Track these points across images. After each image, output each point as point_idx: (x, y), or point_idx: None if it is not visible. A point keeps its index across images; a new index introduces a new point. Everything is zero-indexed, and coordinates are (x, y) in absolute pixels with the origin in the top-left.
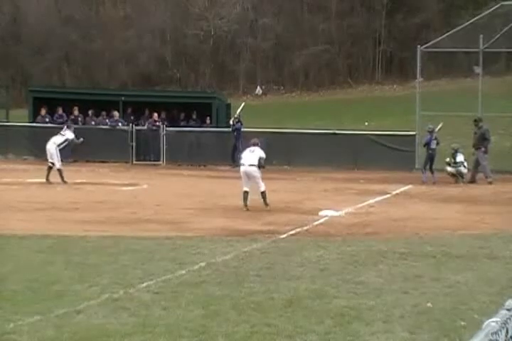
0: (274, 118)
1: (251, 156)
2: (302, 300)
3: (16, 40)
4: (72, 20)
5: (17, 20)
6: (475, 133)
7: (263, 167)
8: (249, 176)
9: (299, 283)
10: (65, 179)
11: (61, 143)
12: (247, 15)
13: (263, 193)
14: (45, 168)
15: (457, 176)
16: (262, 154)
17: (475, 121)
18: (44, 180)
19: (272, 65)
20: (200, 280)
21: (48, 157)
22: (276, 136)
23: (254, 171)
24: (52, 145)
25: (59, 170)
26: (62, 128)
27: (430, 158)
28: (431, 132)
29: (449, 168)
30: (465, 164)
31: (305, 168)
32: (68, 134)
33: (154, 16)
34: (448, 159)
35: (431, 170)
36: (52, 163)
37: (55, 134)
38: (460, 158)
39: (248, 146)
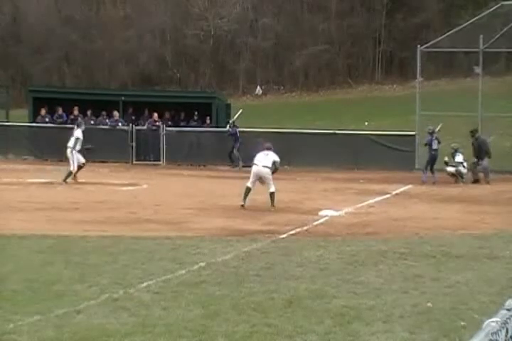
0: (274, 118)
1: (265, 158)
2: (302, 300)
3: (16, 40)
4: (72, 20)
5: (17, 20)
6: (472, 144)
7: (277, 170)
8: (260, 177)
9: (298, 283)
10: (68, 180)
11: (75, 145)
12: (247, 15)
13: (272, 194)
14: (46, 168)
15: (457, 176)
16: (277, 158)
17: (471, 132)
18: (44, 180)
19: (272, 65)
20: (200, 280)
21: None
22: (276, 136)
23: (267, 173)
24: (68, 150)
25: (70, 171)
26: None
27: (432, 159)
28: (431, 133)
29: (448, 168)
30: (464, 164)
31: (305, 168)
32: (77, 133)
33: (154, 16)
34: (446, 158)
35: (431, 170)
36: (84, 164)
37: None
38: (459, 158)
39: (261, 150)
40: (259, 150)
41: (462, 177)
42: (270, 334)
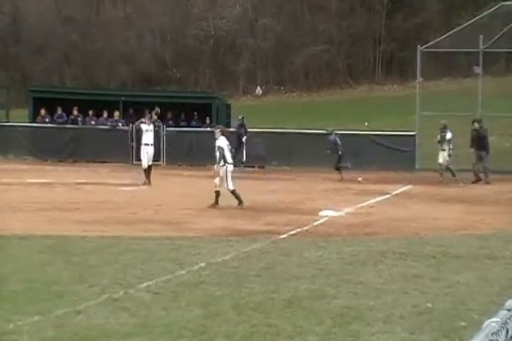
0: (274, 119)
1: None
2: (302, 300)
3: (16, 40)
4: (72, 20)
5: (17, 20)
6: (472, 133)
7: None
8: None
9: (298, 283)
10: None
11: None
12: (247, 16)
13: (235, 191)
14: (45, 168)
15: (443, 173)
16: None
17: (476, 120)
18: (44, 181)
19: (272, 65)
20: (200, 281)
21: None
22: (276, 136)
23: None
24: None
25: (144, 169)
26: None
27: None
28: (330, 134)
29: (440, 160)
30: (451, 145)
31: (305, 168)
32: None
33: (154, 16)
34: (439, 137)
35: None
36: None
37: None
38: (449, 135)
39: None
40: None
41: (454, 176)
42: (270, 334)
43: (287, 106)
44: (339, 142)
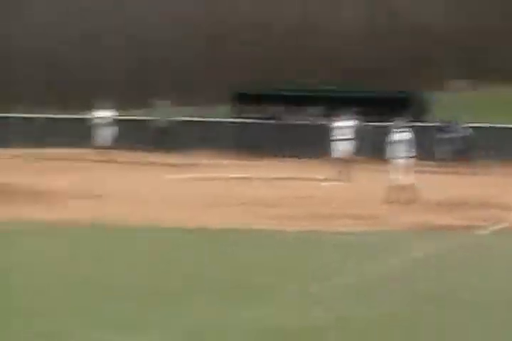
0: (482, 113)
1: None
2: None
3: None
4: None
5: None
6: None
7: None
8: None
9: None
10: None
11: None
12: None
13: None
14: (245, 163)
15: None
16: None
17: None
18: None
19: (473, 58)
20: (399, 276)
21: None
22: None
23: None
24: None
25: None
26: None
27: None
28: None
29: None
30: None
31: (499, 163)
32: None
33: None
34: None
35: None
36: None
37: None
38: None
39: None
40: None
41: None
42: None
43: (493, 100)
44: None
